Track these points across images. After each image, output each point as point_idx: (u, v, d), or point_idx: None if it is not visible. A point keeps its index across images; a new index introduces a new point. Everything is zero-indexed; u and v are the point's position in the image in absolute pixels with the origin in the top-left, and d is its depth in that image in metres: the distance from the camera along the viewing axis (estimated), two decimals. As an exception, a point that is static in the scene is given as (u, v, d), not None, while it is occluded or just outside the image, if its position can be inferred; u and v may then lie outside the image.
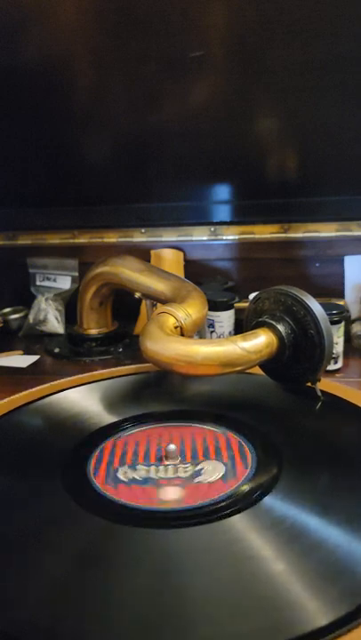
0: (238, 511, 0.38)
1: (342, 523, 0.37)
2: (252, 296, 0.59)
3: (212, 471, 0.44)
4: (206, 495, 0.40)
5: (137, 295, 0.71)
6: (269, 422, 0.51)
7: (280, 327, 0.53)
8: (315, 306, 0.52)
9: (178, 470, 0.44)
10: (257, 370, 0.57)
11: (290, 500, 0.40)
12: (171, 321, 0.56)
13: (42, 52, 0.81)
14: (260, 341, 0.52)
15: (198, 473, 0.44)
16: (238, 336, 0.52)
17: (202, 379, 0.59)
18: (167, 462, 0.45)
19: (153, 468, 0.45)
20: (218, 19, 0.76)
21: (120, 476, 0.44)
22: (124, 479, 0.43)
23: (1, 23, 0.78)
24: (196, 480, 0.43)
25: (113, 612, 0.31)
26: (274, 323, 0.53)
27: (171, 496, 0.41)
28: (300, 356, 0.54)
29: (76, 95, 0.85)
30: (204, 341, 0.55)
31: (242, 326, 0.59)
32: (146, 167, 0.89)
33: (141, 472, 0.44)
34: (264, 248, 0.89)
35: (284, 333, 0.53)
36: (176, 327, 0.56)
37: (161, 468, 0.45)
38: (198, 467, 0.44)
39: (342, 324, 0.68)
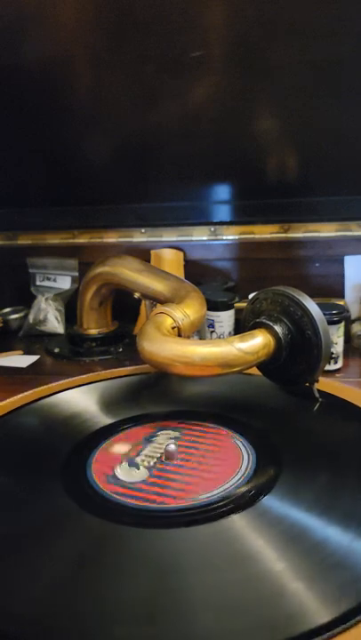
0: (238, 511, 0.38)
1: (342, 522, 0.37)
2: (251, 296, 0.59)
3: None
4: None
5: (136, 295, 0.71)
6: (269, 422, 0.51)
7: (277, 328, 0.53)
8: (312, 306, 0.52)
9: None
10: (256, 370, 0.57)
11: (289, 499, 0.40)
12: (168, 321, 0.56)
13: (42, 53, 0.81)
14: (256, 342, 0.52)
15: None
16: (235, 337, 0.52)
17: (201, 379, 0.59)
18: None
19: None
20: (218, 18, 0.76)
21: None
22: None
23: (1, 23, 0.78)
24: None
25: (113, 611, 0.31)
26: (271, 323, 0.53)
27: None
28: (297, 357, 0.54)
29: (76, 95, 0.85)
30: (200, 342, 0.55)
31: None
32: (146, 167, 0.89)
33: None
34: (264, 248, 0.89)
35: (281, 334, 0.53)
36: (173, 328, 0.56)
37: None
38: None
39: (342, 323, 0.68)
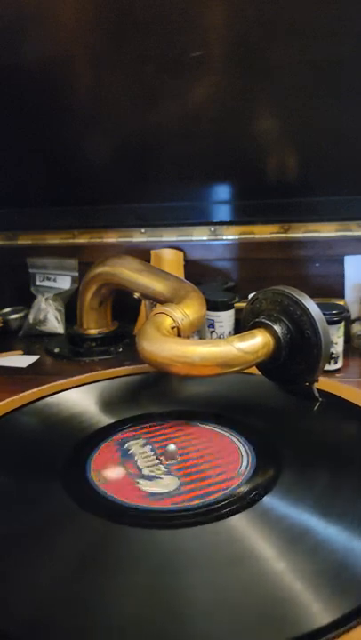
0: (238, 511, 0.38)
1: (342, 522, 0.37)
2: (251, 296, 0.59)
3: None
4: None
5: (136, 295, 0.71)
6: (269, 422, 0.51)
7: (277, 328, 0.53)
8: (311, 306, 0.52)
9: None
10: (256, 370, 0.57)
11: (289, 499, 0.40)
12: (168, 321, 0.56)
13: (42, 53, 0.81)
14: (256, 342, 0.52)
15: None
16: (235, 336, 0.52)
17: (201, 379, 0.59)
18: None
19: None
20: (218, 18, 0.76)
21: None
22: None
23: (1, 23, 0.78)
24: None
25: (112, 611, 0.31)
26: (270, 323, 0.53)
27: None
28: (297, 357, 0.54)
29: (76, 95, 0.85)
30: (200, 342, 0.55)
31: (241, 327, 0.60)
32: (146, 167, 0.89)
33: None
34: (264, 248, 0.89)
35: (280, 334, 0.53)
36: (173, 328, 0.56)
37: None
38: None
39: (342, 323, 0.68)
